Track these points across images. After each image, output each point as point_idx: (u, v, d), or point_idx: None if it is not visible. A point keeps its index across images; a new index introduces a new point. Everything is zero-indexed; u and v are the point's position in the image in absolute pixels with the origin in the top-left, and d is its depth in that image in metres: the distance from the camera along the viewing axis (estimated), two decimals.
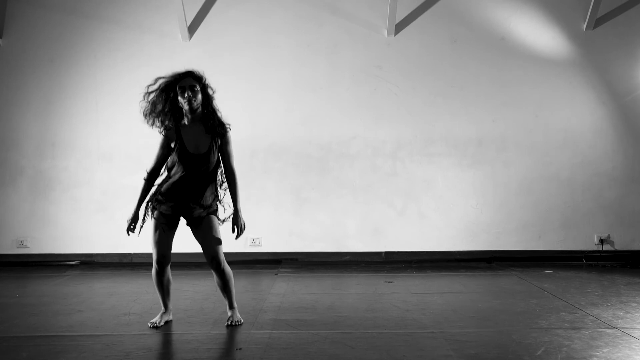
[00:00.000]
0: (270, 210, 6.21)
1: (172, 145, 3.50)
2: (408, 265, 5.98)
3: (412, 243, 6.20)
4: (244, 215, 3.63)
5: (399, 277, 5.29)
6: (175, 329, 3.54)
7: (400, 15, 6.26)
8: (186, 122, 3.52)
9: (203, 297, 4.41)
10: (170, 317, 3.72)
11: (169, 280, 3.63)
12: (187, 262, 5.82)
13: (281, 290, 4.70)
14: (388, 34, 6.27)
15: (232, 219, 3.56)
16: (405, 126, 6.27)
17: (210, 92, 3.57)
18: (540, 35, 6.28)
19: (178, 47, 6.22)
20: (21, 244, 6.19)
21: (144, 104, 3.54)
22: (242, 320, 3.65)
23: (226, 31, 6.27)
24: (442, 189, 6.25)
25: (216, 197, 3.60)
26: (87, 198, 6.22)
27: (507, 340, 3.26)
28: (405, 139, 6.27)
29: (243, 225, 3.56)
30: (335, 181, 6.26)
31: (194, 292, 4.61)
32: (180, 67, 3.59)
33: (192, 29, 6.26)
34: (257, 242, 6.20)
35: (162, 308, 3.68)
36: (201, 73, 3.56)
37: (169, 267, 3.60)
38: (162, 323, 3.61)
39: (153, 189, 3.57)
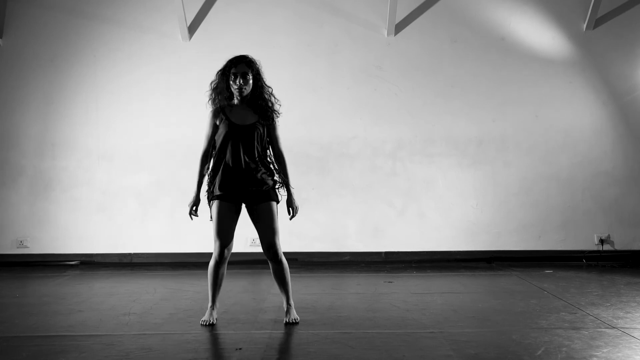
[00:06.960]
0: None
1: (217, 122, 3.58)
2: (408, 265, 5.98)
3: (412, 243, 6.20)
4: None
5: (399, 277, 5.29)
6: (175, 329, 3.54)
7: (400, 15, 6.26)
8: (235, 102, 3.61)
9: (203, 297, 4.40)
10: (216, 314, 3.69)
11: (224, 274, 3.62)
12: (187, 262, 5.82)
13: None
14: (388, 34, 6.27)
15: (287, 201, 3.65)
16: (405, 126, 6.27)
17: (262, 78, 3.65)
18: (540, 35, 6.28)
19: (178, 47, 6.22)
20: (21, 244, 6.19)
21: (209, 91, 3.65)
22: (299, 318, 3.64)
23: (226, 31, 6.27)
24: (442, 189, 6.25)
25: (272, 177, 3.62)
26: (87, 198, 6.22)
27: (507, 340, 3.26)
28: (405, 139, 6.27)
29: (297, 207, 3.67)
30: (335, 181, 6.26)
31: (194, 292, 4.61)
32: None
33: (192, 29, 6.26)
34: (257, 242, 6.18)
35: (210, 303, 3.63)
36: (255, 59, 3.64)
37: (227, 260, 3.59)
38: (213, 321, 3.57)
39: (207, 179, 3.61)
